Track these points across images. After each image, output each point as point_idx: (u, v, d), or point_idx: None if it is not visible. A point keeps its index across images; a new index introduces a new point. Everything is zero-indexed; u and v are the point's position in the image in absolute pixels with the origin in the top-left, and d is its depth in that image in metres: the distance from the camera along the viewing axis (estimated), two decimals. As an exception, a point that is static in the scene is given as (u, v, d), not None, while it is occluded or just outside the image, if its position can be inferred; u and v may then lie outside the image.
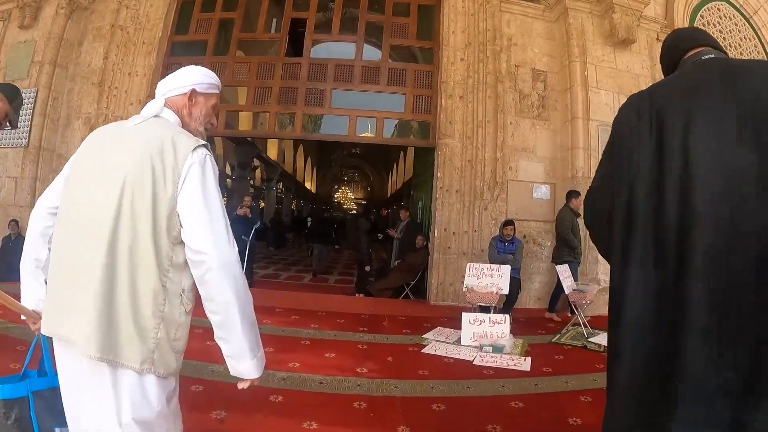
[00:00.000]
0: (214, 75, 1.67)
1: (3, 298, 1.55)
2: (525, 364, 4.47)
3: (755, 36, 9.85)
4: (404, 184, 21.59)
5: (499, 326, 5.09)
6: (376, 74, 8.15)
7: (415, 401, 3.47)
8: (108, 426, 1.33)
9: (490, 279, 5.72)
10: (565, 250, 6.62)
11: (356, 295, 8.24)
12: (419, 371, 4.13)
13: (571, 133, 7.68)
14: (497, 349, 4.80)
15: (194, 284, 1.42)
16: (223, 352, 1.42)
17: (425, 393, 3.63)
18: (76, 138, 8.04)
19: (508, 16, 8.12)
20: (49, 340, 1.50)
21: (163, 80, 1.61)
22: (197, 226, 1.36)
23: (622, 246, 1.32)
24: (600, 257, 7.27)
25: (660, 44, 6.36)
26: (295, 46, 8.95)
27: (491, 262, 6.34)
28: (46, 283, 1.48)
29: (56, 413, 1.57)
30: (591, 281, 6.90)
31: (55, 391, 1.54)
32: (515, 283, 6.26)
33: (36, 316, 1.55)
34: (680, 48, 1.54)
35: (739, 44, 9.75)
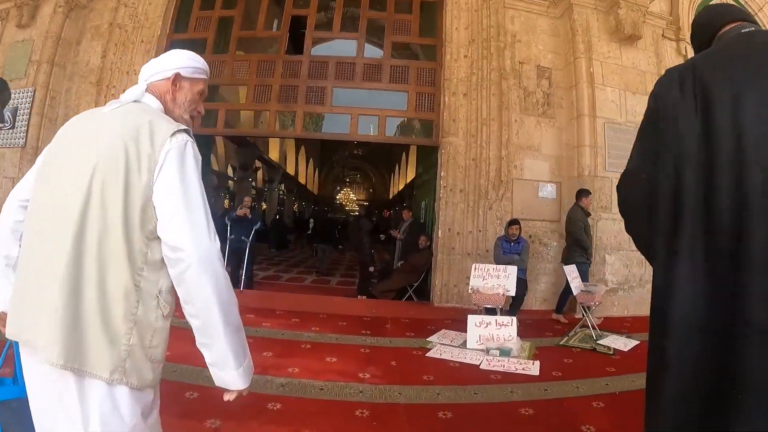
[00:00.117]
0: (202, 59, 1.54)
1: None
2: (533, 368, 4.32)
3: (762, 32, 9.69)
4: (406, 184, 21.49)
5: (506, 329, 4.94)
6: (378, 72, 8.01)
7: (419, 408, 3.32)
8: None
9: (497, 280, 5.55)
10: (577, 251, 6.46)
11: (358, 296, 8.10)
12: (424, 376, 3.97)
13: (577, 130, 7.53)
14: (504, 352, 4.64)
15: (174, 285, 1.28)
16: (205, 359, 1.28)
17: (430, 400, 3.47)
18: (74, 138, 7.89)
19: (512, 13, 7.98)
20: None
21: (146, 65, 1.49)
22: (173, 218, 1.22)
23: (667, 238, 1.17)
24: (608, 257, 7.19)
25: (665, 41, 6.23)
26: (296, 45, 8.84)
27: (497, 263, 6.18)
28: None
29: (27, 425, 1.41)
30: (598, 282, 6.76)
31: (24, 401, 1.38)
32: (522, 284, 6.10)
33: (6, 319, 1.39)
34: (716, 23, 1.41)
35: (745, 41, 9.59)
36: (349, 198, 42.51)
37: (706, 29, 1.44)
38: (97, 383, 1.18)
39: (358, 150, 35.22)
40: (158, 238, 1.24)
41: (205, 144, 10.89)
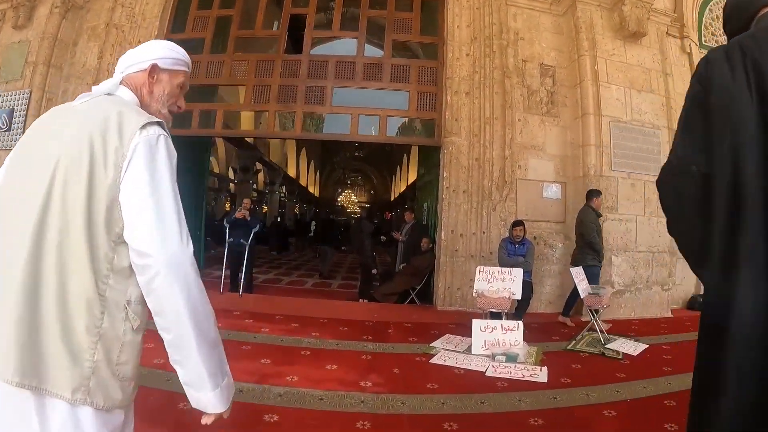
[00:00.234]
0: (182, 50, 1.43)
1: None
2: (541, 374, 4.17)
3: (765, 30, 9.57)
4: (408, 186, 21.41)
5: (512, 333, 4.79)
6: (379, 71, 7.88)
7: (424, 419, 3.16)
8: None
9: (502, 283, 5.39)
10: (589, 253, 6.29)
11: (360, 300, 7.94)
12: (428, 384, 3.82)
13: (582, 129, 7.39)
14: (511, 358, 4.49)
15: None
16: (180, 378, 1.15)
17: (435, 410, 3.31)
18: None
19: (514, 10, 7.85)
20: None
21: (123, 56, 1.39)
22: (140, 219, 1.10)
23: (724, 240, 1.01)
24: (614, 258, 7.03)
25: (670, 38, 6.07)
26: (296, 45, 8.72)
27: (501, 265, 6.04)
28: None
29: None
30: (605, 284, 6.63)
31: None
32: (527, 287, 5.95)
33: None
34: (755, 4, 1.27)
35: (749, 39, 9.47)
36: (351, 200, 42.50)
37: (742, 12, 1.31)
38: (59, 403, 1.07)
39: (359, 152, 35.25)
40: (126, 242, 1.12)
41: (205, 146, 10.78)
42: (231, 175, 21.03)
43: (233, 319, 5.74)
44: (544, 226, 7.49)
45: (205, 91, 8.62)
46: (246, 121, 12.61)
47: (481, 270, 5.60)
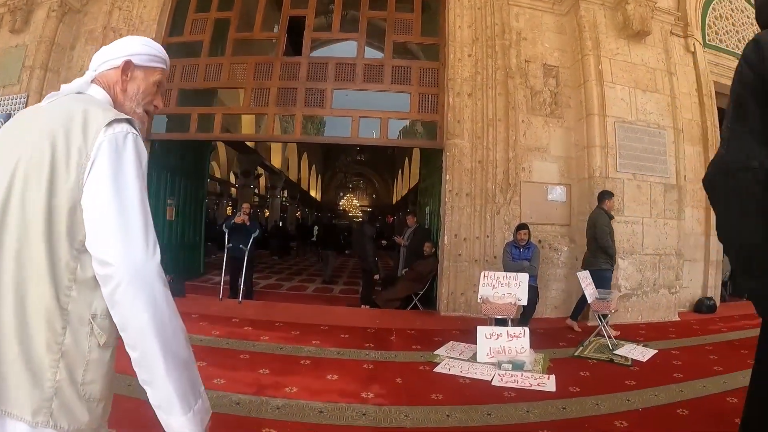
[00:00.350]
0: (159, 46, 1.35)
1: None
2: (549, 383, 4.03)
3: (768, 29, 9.47)
4: (410, 190, 21.31)
5: (518, 340, 4.65)
6: (380, 73, 7.76)
7: (428, 433, 3.03)
8: None
9: (507, 288, 5.26)
10: (603, 257, 6.15)
11: (362, 306, 7.80)
12: (432, 395, 3.67)
13: (587, 130, 7.27)
14: (517, 366, 4.35)
15: None
16: (150, 400, 1.06)
17: (440, 423, 3.17)
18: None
19: (516, 10, 7.74)
20: None
21: (96, 53, 1.32)
22: (102, 224, 1.01)
23: None
24: (621, 261, 6.88)
25: (674, 38, 5.95)
26: (295, 48, 8.62)
27: (506, 270, 5.91)
28: None
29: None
30: (612, 287, 6.46)
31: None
32: (533, 292, 5.79)
33: None
34: None
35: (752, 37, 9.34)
36: (353, 204, 42.44)
37: None
38: (20, 425, 0.99)
39: (360, 155, 35.21)
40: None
41: (204, 150, 10.69)
42: (232, 179, 20.98)
43: (232, 326, 5.62)
44: (549, 229, 7.36)
45: (204, 94, 8.53)
46: (247, 125, 12.51)
47: (486, 275, 5.46)
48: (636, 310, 7.05)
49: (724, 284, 8.87)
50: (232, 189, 21.17)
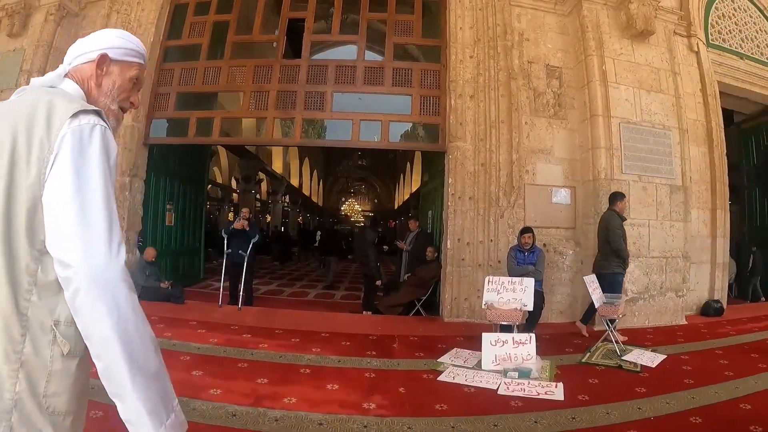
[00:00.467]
0: (137, 40, 1.28)
1: None
2: (557, 391, 3.90)
3: (771, 28, 9.49)
4: (412, 194, 21.25)
5: (524, 347, 4.52)
6: (380, 75, 7.66)
7: (432, 446, 2.90)
8: None
9: (512, 294, 5.11)
10: (615, 261, 5.99)
11: (364, 312, 7.67)
12: (436, 405, 3.54)
13: (591, 131, 7.16)
14: (523, 373, 4.22)
15: None
16: (119, 415, 0.99)
17: (445, 435, 3.05)
18: (65, 151, 7.63)
19: (518, 10, 7.64)
20: None
21: (72, 45, 1.27)
22: (62, 223, 0.95)
23: None
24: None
25: (677, 38, 5.86)
26: (295, 51, 8.53)
27: (510, 275, 5.77)
28: None
29: None
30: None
31: None
32: (538, 297, 5.63)
33: None
34: None
35: (755, 36, 9.44)
36: (354, 209, 42.39)
37: None
38: None
39: (362, 160, 35.20)
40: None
41: (204, 155, 10.61)
42: (234, 185, 20.93)
43: (231, 334, 5.49)
44: (554, 233, 7.23)
45: (204, 98, 8.45)
46: (248, 130, 12.43)
47: (490, 280, 5.32)
48: (643, 314, 6.92)
49: (729, 286, 8.74)
50: (234, 194, 21.12)
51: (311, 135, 9.61)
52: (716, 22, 9.02)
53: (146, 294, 7.04)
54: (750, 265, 9.63)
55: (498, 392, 3.89)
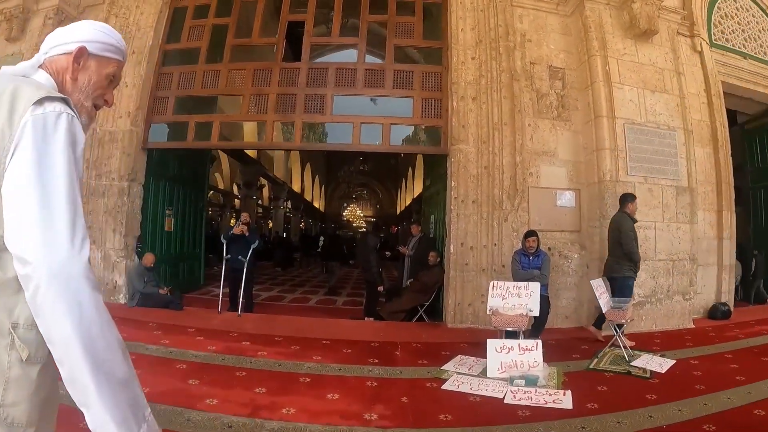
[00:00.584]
0: (118, 35, 1.25)
1: None
2: (565, 399, 3.77)
3: (774, 27, 9.42)
4: (414, 199, 21.18)
5: (531, 354, 4.39)
6: (381, 78, 7.56)
7: (437, 460, 2.78)
8: None
9: (518, 299, 4.98)
10: (626, 264, 5.88)
11: (365, 318, 7.54)
12: (441, 416, 3.40)
13: (595, 133, 7.06)
14: (530, 381, 4.09)
15: None
16: (87, 425, 0.91)
17: (450, 448, 2.93)
18: (63, 156, 7.55)
19: (520, 11, 7.56)
20: None
21: (50, 34, 1.21)
22: (21, 216, 0.89)
23: None
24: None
25: (680, 37, 5.78)
26: (295, 55, 8.45)
27: (515, 279, 5.66)
28: None
29: None
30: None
31: None
32: (544, 302, 5.50)
33: None
34: None
35: (758, 36, 9.36)
36: (356, 214, 42.33)
37: None
38: None
39: (363, 165, 35.19)
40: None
41: (204, 160, 10.53)
42: (236, 191, 20.90)
43: (229, 341, 5.37)
44: (559, 236, 7.11)
45: (204, 102, 8.37)
46: (249, 135, 12.35)
47: (495, 285, 5.19)
48: (650, 318, 6.80)
49: (734, 289, 8.60)
50: (236, 200, 21.09)
51: (312, 139, 9.50)
52: (719, 22, 8.94)
53: (145, 300, 6.95)
54: (752, 269, 9.51)
55: (504, 401, 3.76)
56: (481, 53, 7.29)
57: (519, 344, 4.47)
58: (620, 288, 5.70)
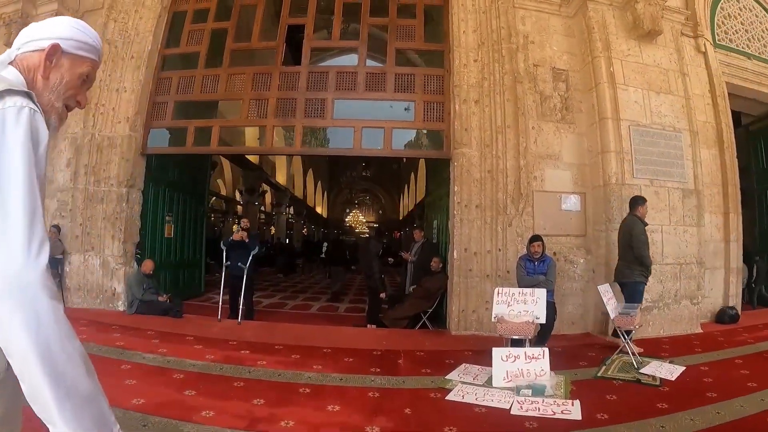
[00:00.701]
0: (94, 33, 1.18)
1: None
2: (574, 410, 3.64)
3: (777, 27, 9.32)
4: (416, 204, 21.08)
5: (537, 362, 4.27)
6: (382, 81, 7.48)
7: (442, 476, 2.65)
8: None
9: (524, 306, 4.85)
10: (638, 269, 5.74)
11: (368, 326, 7.40)
12: (445, 428, 3.27)
13: (600, 135, 6.95)
14: (537, 391, 3.96)
15: None
16: None
17: (455, 462, 2.80)
18: (61, 160, 7.56)
19: (522, 13, 7.47)
20: None
21: (23, 30, 1.15)
22: None
23: None
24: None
25: (684, 38, 5.69)
26: (295, 58, 8.38)
27: (520, 285, 5.53)
28: None
29: None
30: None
31: None
32: (551, 309, 5.33)
33: None
34: None
35: (762, 36, 9.27)
36: (359, 220, 42.28)
37: None
38: None
39: (366, 171, 35.18)
40: None
41: (204, 165, 10.45)
42: (238, 197, 20.87)
43: (228, 350, 5.25)
44: (564, 241, 6.99)
45: (204, 107, 8.30)
46: (251, 140, 12.27)
47: (500, 292, 5.06)
48: (657, 324, 6.66)
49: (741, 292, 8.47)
50: (238, 207, 21.06)
51: (313, 144, 9.41)
52: (722, 22, 8.85)
53: (144, 308, 6.86)
54: (754, 274, 9.38)
55: (511, 412, 3.63)
56: (484, 55, 7.20)
57: (525, 352, 4.34)
58: (631, 293, 5.58)
